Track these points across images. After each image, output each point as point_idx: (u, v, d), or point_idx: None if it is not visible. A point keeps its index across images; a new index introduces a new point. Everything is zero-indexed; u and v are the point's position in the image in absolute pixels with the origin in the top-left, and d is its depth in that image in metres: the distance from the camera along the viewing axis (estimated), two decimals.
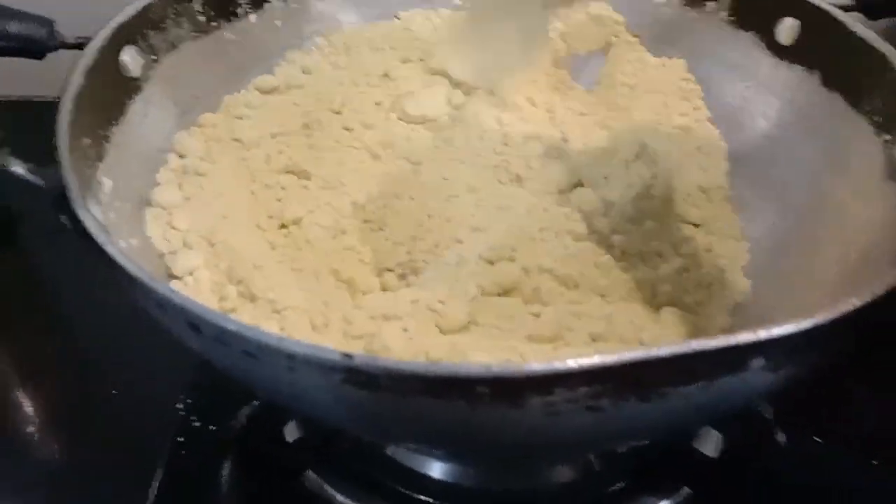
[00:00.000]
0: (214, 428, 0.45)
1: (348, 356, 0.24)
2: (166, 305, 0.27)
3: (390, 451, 0.43)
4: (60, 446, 0.47)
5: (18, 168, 0.33)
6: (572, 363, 0.24)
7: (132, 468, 0.44)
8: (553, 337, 0.35)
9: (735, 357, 0.25)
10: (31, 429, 0.48)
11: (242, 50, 0.51)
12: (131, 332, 0.51)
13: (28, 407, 0.49)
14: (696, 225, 0.45)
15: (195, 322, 0.26)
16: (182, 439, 0.45)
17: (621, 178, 0.45)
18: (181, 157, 0.45)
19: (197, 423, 0.46)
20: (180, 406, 0.46)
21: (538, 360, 0.26)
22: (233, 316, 0.37)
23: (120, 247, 0.31)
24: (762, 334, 0.25)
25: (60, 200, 0.33)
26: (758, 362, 0.26)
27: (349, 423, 0.30)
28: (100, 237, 0.29)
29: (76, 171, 0.33)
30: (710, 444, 0.41)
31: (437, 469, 0.42)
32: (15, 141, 0.36)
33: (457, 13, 0.52)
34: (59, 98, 0.37)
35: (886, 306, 0.27)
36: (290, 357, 0.25)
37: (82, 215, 0.30)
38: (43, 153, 0.35)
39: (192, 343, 0.28)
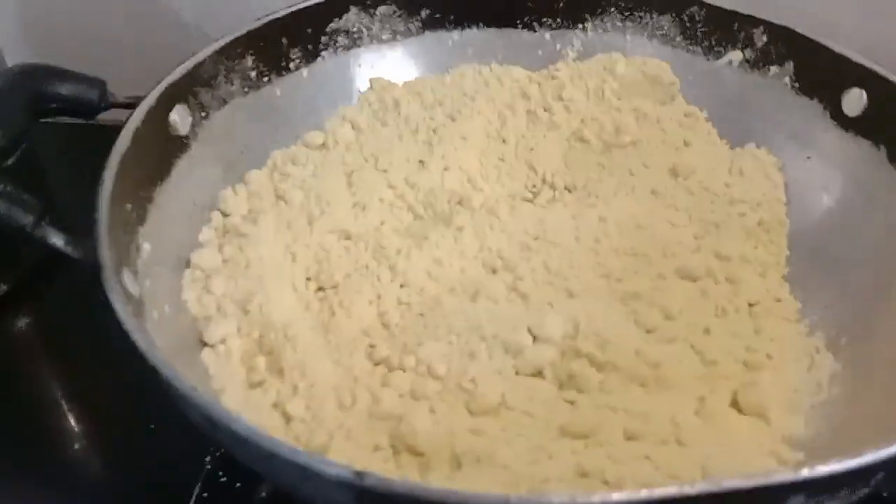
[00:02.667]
0: (239, 485, 0.45)
1: (359, 475, 0.23)
2: (186, 403, 0.27)
3: None
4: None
5: (57, 240, 0.33)
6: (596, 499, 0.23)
7: None
8: (587, 433, 0.34)
9: (772, 496, 0.24)
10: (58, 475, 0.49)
11: (292, 105, 0.51)
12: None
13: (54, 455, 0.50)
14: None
15: (211, 421, 0.26)
16: (206, 494, 0.45)
17: None
18: (225, 215, 0.45)
19: (223, 479, 0.45)
20: (208, 459, 0.46)
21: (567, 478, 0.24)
22: (259, 390, 0.37)
23: (153, 318, 0.31)
24: (804, 473, 0.23)
25: (95, 274, 0.33)
26: (797, 500, 0.24)
27: None
28: (128, 323, 0.29)
29: (113, 245, 0.33)
30: None
31: None
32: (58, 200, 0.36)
33: None
34: (106, 159, 0.38)
35: None
36: (303, 469, 0.24)
37: (113, 300, 0.30)
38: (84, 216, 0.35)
39: (209, 434, 0.28)
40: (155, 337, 0.32)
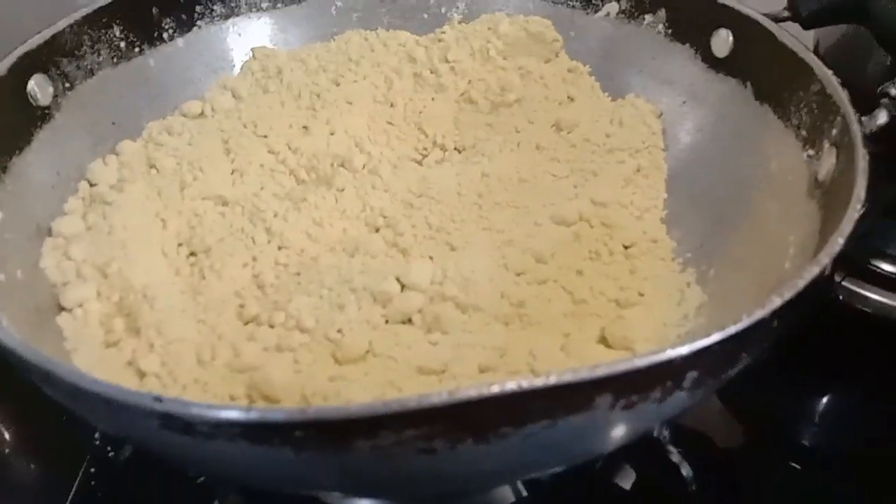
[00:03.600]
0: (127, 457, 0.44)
1: (158, 400, 0.23)
2: (14, 361, 0.26)
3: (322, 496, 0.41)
4: None
5: None
6: (395, 404, 0.22)
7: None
8: (441, 369, 0.34)
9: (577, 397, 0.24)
10: None
11: (167, 75, 0.51)
12: None
13: None
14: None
15: (26, 367, 0.25)
16: (93, 469, 0.44)
17: None
18: (92, 185, 0.44)
19: (111, 453, 0.44)
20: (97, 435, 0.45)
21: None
22: (114, 349, 0.36)
23: None
24: (608, 370, 0.23)
25: None
26: (604, 399, 0.24)
27: (176, 464, 0.29)
28: None
29: None
30: (626, 478, 0.39)
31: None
32: None
33: None
34: None
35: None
36: (107, 402, 0.24)
37: None
38: None
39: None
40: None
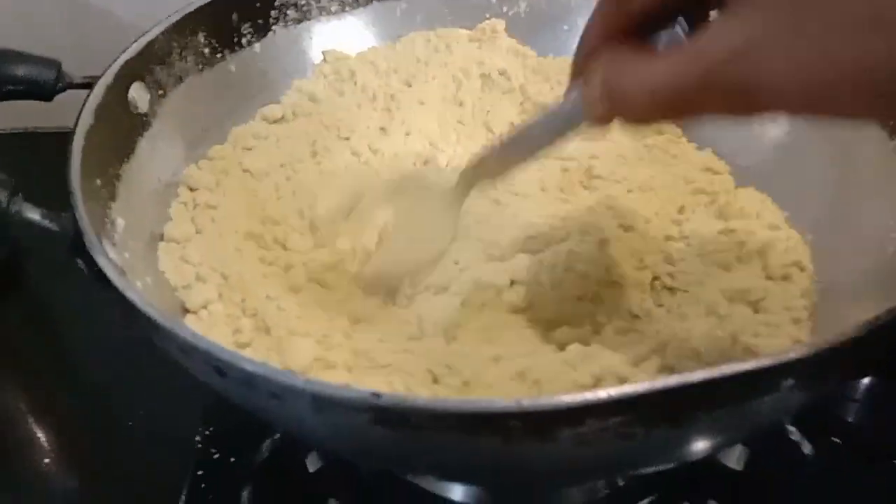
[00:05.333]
0: (234, 459, 0.45)
1: (376, 395, 0.24)
2: (190, 350, 0.27)
3: (410, 476, 0.42)
4: (80, 483, 0.47)
5: (33, 214, 0.33)
6: (603, 394, 0.24)
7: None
8: None
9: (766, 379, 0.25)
10: (48, 464, 0.48)
11: (247, 80, 0.51)
12: (143, 366, 0.52)
13: (44, 443, 0.49)
14: None
15: (219, 366, 0.26)
16: (202, 472, 0.45)
17: None
18: (192, 190, 0.45)
19: (216, 455, 0.45)
20: (198, 438, 0.46)
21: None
22: (248, 351, 0.37)
23: (137, 288, 0.31)
24: (791, 355, 0.25)
25: (76, 244, 0.32)
26: (788, 383, 0.25)
27: (378, 460, 0.30)
28: (119, 283, 0.29)
29: (90, 215, 0.33)
30: (734, 457, 0.41)
31: (458, 492, 0.42)
32: (25, 181, 0.36)
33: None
34: (71, 135, 0.37)
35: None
36: (316, 398, 0.25)
37: (100, 262, 0.30)
38: (54, 193, 0.35)
39: (216, 385, 0.28)
40: None
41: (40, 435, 0.50)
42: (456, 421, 0.24)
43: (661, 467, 0.33)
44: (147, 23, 0.46)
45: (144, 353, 0.50)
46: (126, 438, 0.48)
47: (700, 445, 0.28)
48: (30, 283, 0.60)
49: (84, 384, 0.53)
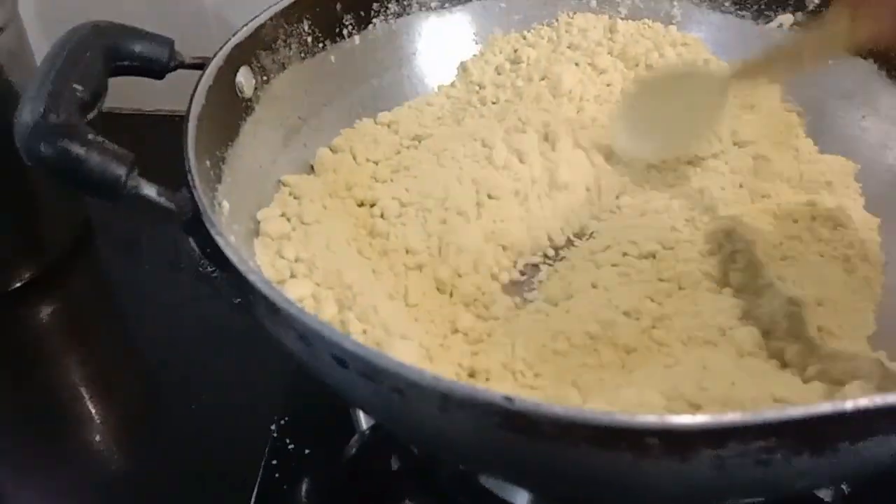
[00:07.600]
0: (308, 451, 0.45)
1: (509, 399, 0.23)
2: (312, 337, 0.26)
3: (483, 480, 0.42)
4: (147, 463, 0.47)
5: (150, 191, 0.32)
6: (748, 416, 0.23)
7: (223, 489, 0.44)
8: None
9: None
10: (113, 444, 0.49)
11: (346, 72, 0.51)
12: (217, 351, 0.52)
13: (111, 422, 0.50)
14: None
15: (342, 357, 0.26)
16: (275, 462, 0.44)
17: None
18: (284, 185, 0.45)
19: (291, 446, 0.45)
20: (273, 427, 0.46)
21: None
22: None
23: (256, 270, 0.31)
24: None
25: (191, 224, 0.32)
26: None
27: (495, 467, 0.29)
28: (240, 264, 0.29)
29: (206, 196, 0.33)
30: (829, 490, 0.39)
31: (524, 499, 0.41)
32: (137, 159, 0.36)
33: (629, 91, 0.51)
34: (186, 115, 0.37)
35: None
36: (445, 398, 0.24)
37: (220, 242, 0.30)
38: (165, 172, 0.35)
39: (332, 375, 0.27)
40: None
41: (108, 415, 0.50)
42: (591, 433, 0.23)
43: (770, 498, 0.31)
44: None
45: (216, 337, 0.51)
46: (198, 425, 0.48)
47: (828, 479, 0.26)
48: (98, 260, 0.61)
49: (154, 364, 0.53)
